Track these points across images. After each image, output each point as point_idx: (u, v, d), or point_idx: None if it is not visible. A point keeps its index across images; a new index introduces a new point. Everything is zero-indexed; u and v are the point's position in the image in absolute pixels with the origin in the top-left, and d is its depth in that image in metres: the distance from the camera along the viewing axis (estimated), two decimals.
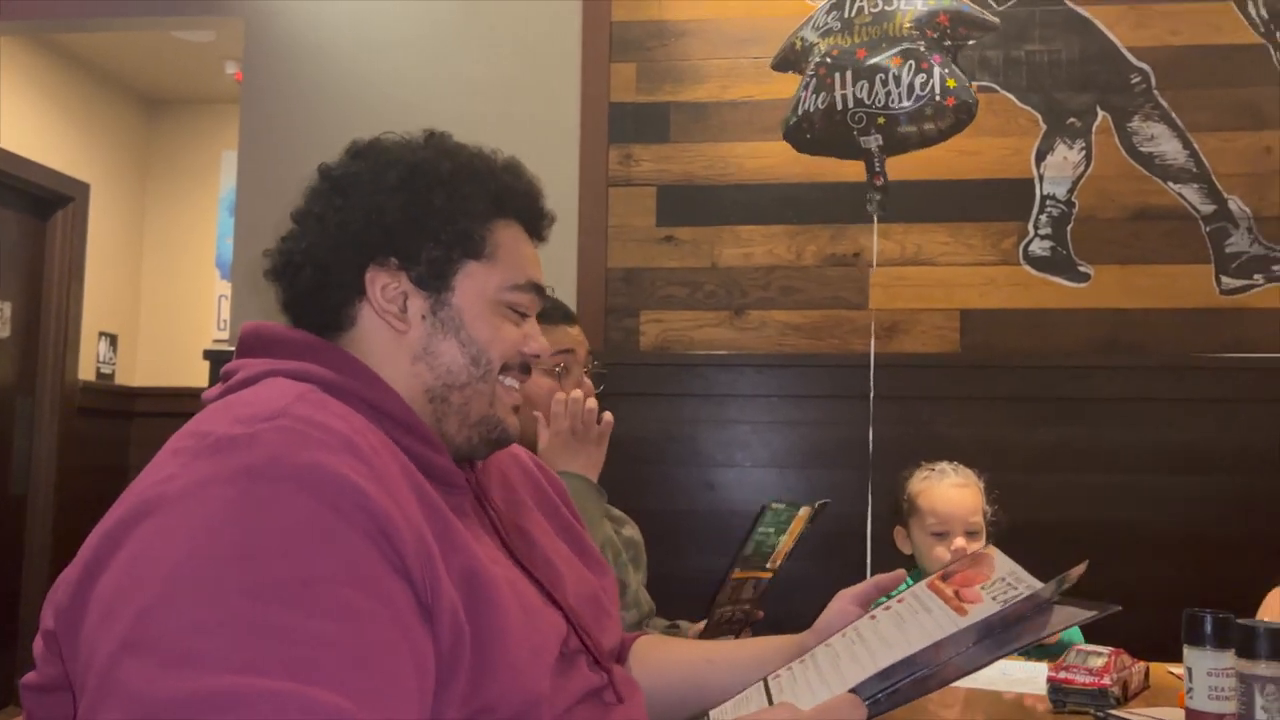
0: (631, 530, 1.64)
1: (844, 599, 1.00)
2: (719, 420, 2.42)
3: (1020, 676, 1.37)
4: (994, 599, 0.82)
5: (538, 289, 0.94)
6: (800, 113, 2.06)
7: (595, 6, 2.58)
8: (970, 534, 1.80)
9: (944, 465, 1.89)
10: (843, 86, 1.98)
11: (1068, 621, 0.82)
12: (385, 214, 0.88)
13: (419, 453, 0.83)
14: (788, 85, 2.37)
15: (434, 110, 2.58)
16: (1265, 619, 1.31)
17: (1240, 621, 0.97)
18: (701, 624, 1.48)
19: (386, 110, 2.59)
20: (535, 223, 0.98)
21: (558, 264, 2.48)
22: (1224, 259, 2.41)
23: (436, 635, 0.70)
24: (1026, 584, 0.83)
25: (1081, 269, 2.44)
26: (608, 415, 1.46)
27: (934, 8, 1.98)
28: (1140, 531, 2.28)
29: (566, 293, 2.48)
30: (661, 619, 1.60)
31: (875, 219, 2.16)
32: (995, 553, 0.91)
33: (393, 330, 0.88)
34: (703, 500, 2.39)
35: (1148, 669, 1.31)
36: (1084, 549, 2.21)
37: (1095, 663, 1.23)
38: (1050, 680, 1.23)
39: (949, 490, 1.83)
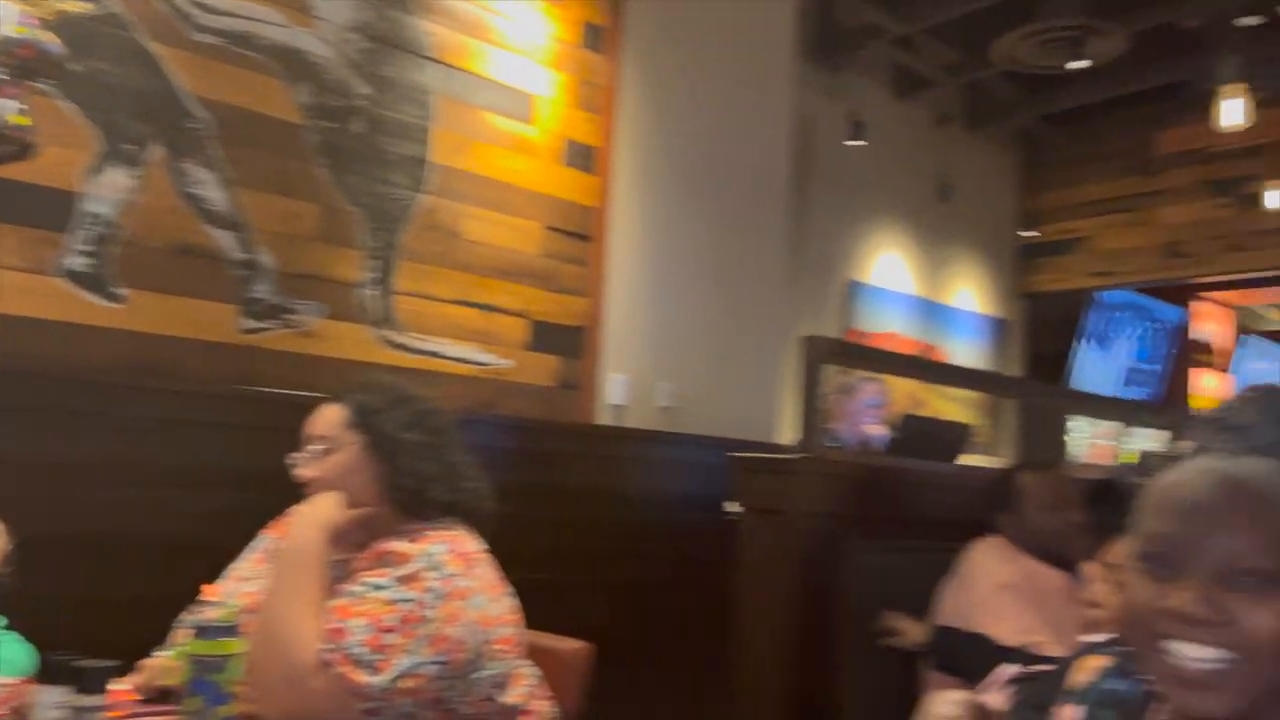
0: None
1: None
2: None
3: None
4: None
5: None
6: None
7: None
8: None
9: None
10: None
11: None
12: None
13: None
14: None
15: None
16: None
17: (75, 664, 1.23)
18: None
19: None
20: None
21: None
22: (247, 302, 2.75)
23: None
24: None
25: (118, 290, 2.53)
26: None
27: (20, 37, 1.90)
28: (154, 545, 2.40)
29: None
30: None
31: None
32: None
33: None
34: None
35: None
36: (99, 559, 2.28)
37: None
38: None
39: None
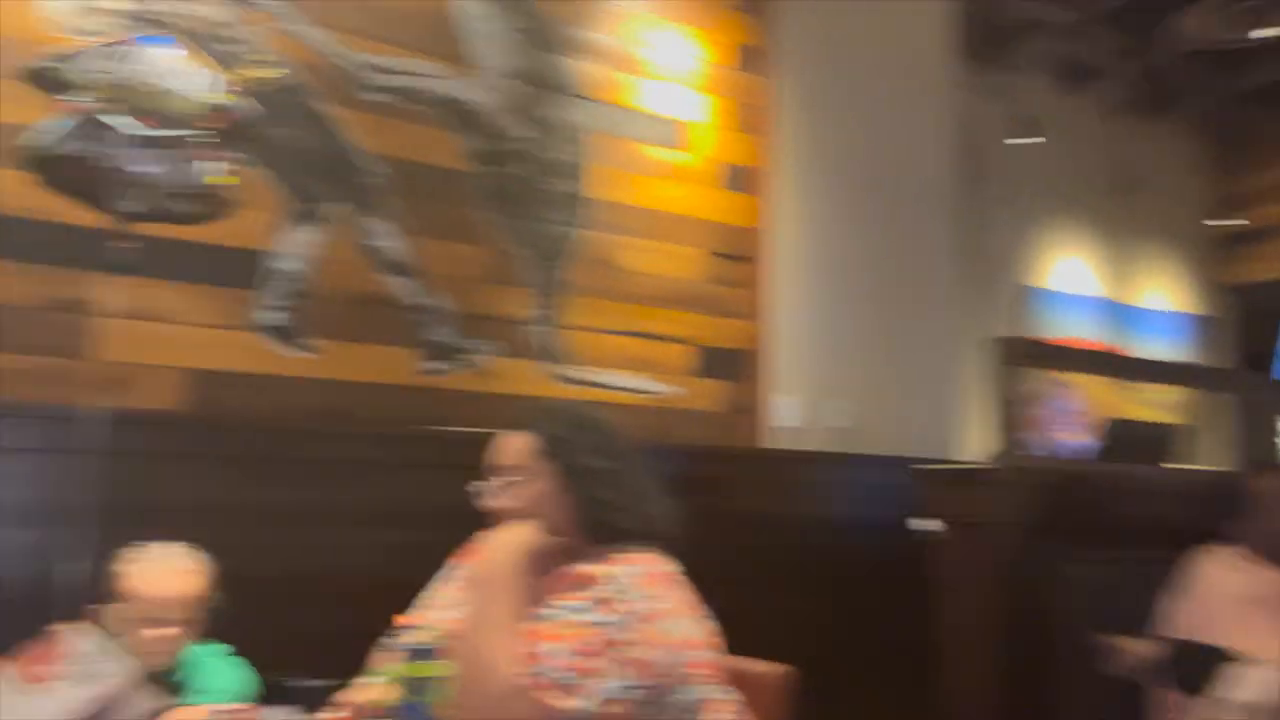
0: None
1: None
2: None
3: None
4: (73, 677, 0.82)
5: None
6: (65, 151, 1.96)
7: None
8: (162, 623, 1.73)
9: (168, 546, 1.84)
10: (117, 146, 1.94)
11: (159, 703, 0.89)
12: None
13: None
14: (20, 110, 2.20)
15: None
16: None
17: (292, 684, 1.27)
18: None
19: None
20: None
21: None
22: (426, 345, 2.86)
23: None
24: (108, 664, 0.84)
25: (308, 341, 2.67)
26: None
27: (222, 103, 2.09)
28: (348, 581, 2.51)
29: None
30: None
31: (111, 270, 2.11)
32: (71, 630, 0.91)
33: None
34: None
35: None
36: (304, 599, 2.39)
37: None
38: None
39: (161, 577, 1.77)
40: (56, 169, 1.96)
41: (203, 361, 2.52)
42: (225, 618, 1.90)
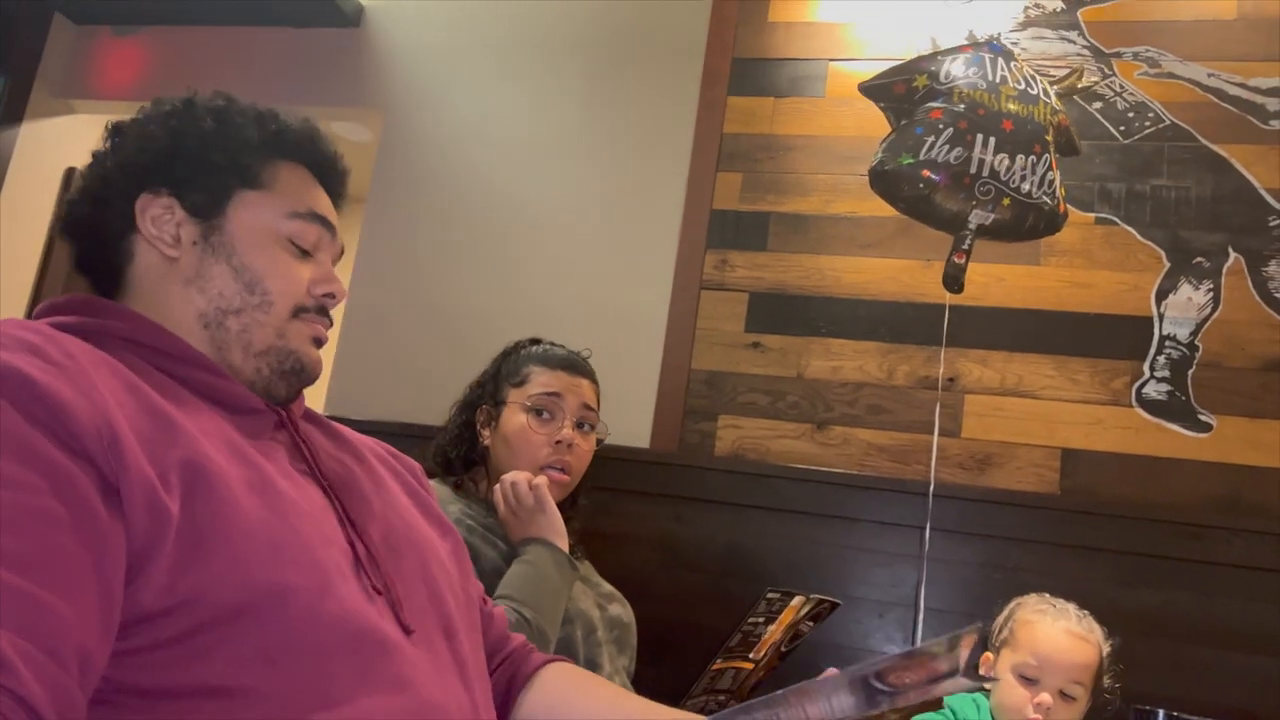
0: (620, 609, 1.56)
1: None
2: (786, 536, 2.31)
3: None
4: None
5: (323, 221, 0.93)
6: (922, 158, 1.93)
7: (709, 119, 2.63)
8: (1065, 695, 1.57)
9: (1069, 606, 1.68)
10: (984, 150, 1.89)
11: (948, 690, 0.74)
12: (155, 140, 0.90)
13: (195, 378, 0.83)
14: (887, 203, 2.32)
15: (543, 205, 2.67)
16: None
17: None
18: None
19: (495, 204, 2.70)
20: (323, 168, 0.98)
21: (644, 362, 2.49)
22: None
23: (128, 518, 0.69)
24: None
25: (1202, 418, 2.23)
26: (539, 480, 1.46)
27: (1059, 109, 1.95)
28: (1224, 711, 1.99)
29: (648, 391, 2.47)
30: None
31: (946, 287, 2.04)
32: None
33: (164, 257, 0.89)
34: None
35: None
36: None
37: None
38: None
39: (1060, 635, 1.61)
40: (914, 181, 1.93)
41: (1073, 441, 2.28)
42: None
